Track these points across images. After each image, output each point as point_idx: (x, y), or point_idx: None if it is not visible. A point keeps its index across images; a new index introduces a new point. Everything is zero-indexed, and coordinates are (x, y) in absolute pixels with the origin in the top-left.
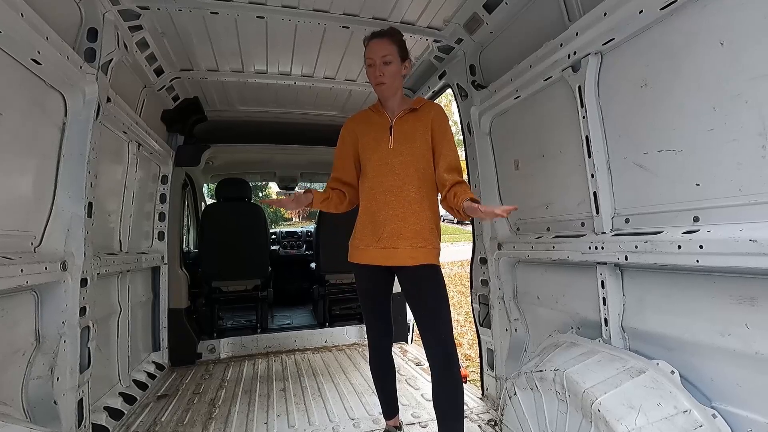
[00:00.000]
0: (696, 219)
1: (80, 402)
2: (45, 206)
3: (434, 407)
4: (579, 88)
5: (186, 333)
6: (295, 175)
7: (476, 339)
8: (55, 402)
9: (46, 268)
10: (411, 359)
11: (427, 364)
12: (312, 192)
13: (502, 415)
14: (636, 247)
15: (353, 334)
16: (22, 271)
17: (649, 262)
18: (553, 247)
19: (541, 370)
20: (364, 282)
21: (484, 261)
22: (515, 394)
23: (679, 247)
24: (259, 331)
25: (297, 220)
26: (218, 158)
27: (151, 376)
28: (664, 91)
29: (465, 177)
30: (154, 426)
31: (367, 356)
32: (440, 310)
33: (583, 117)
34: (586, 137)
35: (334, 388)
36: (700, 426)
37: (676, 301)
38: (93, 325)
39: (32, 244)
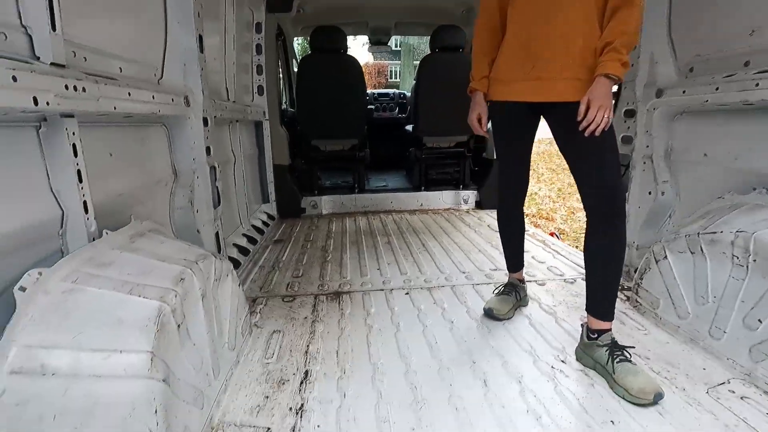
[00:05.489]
0: None
1: (216, 234)
2: (159, 36)
3: (587, 262)
4: None
5: (290, 188)
6: (389, 26)
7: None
8: (198, 231)
9: (172, 100)
10: None
11: (532, 230)
12: (481, 89)
13: (641, 279)
14: None
15: (449, 199)
16: (153, 97)
17: None
18: (757, 84)
19: (713, 232)
20: (503, 124)
21: (630, 114)
22: (665, 257)
23: None
24: (356, 191)
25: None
26: (309, 4)
27: (264, 224)
28: None
29: None
30: (277, 263)
31: (466, 221)
32: (607, 151)
33: None
34: None
35: (438, 245)
36: None
37: None
38: (218, 166)
39: (155, 75)
